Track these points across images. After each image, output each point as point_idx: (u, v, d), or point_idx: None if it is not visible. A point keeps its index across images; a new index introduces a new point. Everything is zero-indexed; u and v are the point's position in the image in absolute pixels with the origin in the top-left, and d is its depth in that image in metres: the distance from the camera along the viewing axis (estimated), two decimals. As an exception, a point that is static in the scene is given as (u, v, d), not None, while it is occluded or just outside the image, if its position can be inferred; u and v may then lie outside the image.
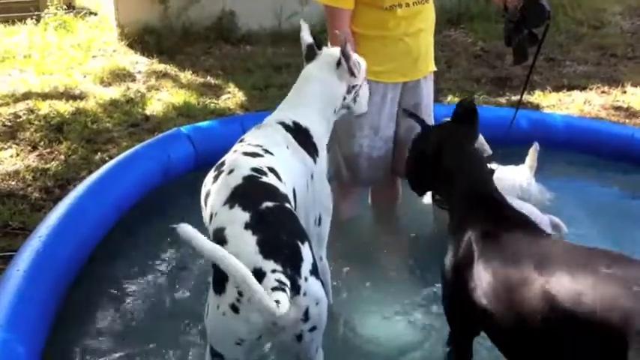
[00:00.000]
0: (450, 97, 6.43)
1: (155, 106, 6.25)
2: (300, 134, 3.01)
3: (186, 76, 7.15)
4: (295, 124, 3.02)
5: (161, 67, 7.39)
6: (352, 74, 3.14)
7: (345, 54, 3.07)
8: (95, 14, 9.49)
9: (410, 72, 3.73)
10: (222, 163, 2.72)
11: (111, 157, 4.94)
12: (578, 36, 8.67)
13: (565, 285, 2.25)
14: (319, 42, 3.26)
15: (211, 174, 2.73)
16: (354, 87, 3.19)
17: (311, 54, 3.19)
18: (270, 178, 2.61)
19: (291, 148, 2.95)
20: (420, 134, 3.17)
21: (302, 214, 2.90)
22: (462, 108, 3.03)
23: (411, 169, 3.19)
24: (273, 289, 2.14)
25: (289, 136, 2.97)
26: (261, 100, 6.45)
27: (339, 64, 3.11)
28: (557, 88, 6.84)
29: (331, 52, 3.19)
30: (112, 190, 4.12)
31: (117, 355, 3.19)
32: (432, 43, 3.83)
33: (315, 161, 3.04)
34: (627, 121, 6.00)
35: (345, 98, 3.18)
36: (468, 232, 2.69)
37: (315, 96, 3.12)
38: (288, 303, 2.12)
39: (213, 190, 2.60)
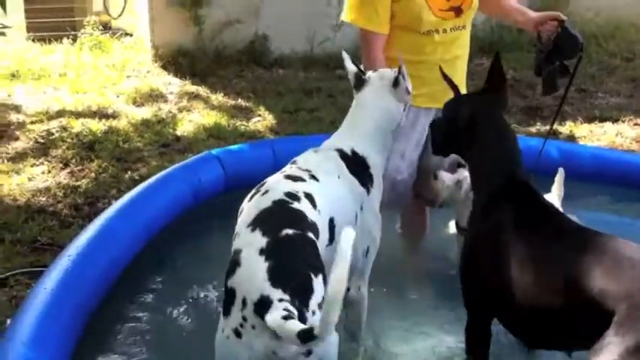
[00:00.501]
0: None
1: (186, 126, 6.30)
2: (357, 163, 2.99)
3: (218, 98, 7.22)
4: (353, 152, 3.00)
5: (193, 88, 7.47)
6: (409, 92, 3.16)
7: (402, 73, 3.08)
8: (131, 35, 9.65)
9: (443, 99, 3.70)
10: (262, 184, 2.72)
11: (141, 177, 5.00)
12: (611, 68, 8.62)
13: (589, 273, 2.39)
14: (361, 68, 3.25)
15: (252, 192, 2.72)
16: (407, 105, 3.22)
17: (360, 81, 3.17)
18: (301, 204, 2.58)
19: (343, 177, 2.91)
20: (453, 101, 3.12)
21: (360, 255, 2.91)
22: (493, 72, 2.98)
23: (440, 134, 3.16)
24: (285, 317, 2.11)
25: (343, 164, 2.94)
26: (292, 123, 6.48)
27: (395, 85, 3.11)
28: (589, 120, 6.79)
29: (383, 74, 3.18)
30: (143, 212, 4.12)
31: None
32: (465, 70, 3.83)
33: (368, 192, 3.00)
34: (659, 154, 5.94)
35: (402, 118, 3.19)
36: (498, 211, 2.74)
37: (375, 122, 3.10)
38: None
39: (245, 209, 2.61)
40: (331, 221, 2.72)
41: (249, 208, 2.58)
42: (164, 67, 8.08)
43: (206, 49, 8.26)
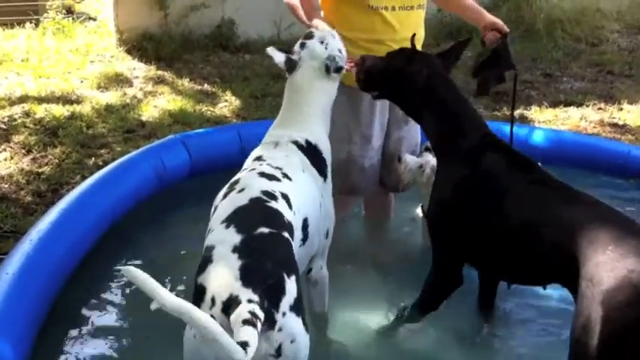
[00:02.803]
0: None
1: (151, 112, 6.24)
2: (313, 153, 3.01)
3: (184, 83, 7.16)
4: (307, 142, 3.01)
5: (159, 73, 7.40)
6: (339, 70, 3.13)
7: (331, 58, 3.08)
8: (94, 19, 9.51)
9: None
10: (236, 182, 2.69)
11: (105, 163, 4.94)
12: (576, 53, 8.70)
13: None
14: (289, 49, 3.17)
15: (224, 190, 2.70)
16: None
17: (292, 64, 3.10)
18: (278, 204, 2.56)
19: (307, 170, 2.94)
20: (410, 58, 3.17)
21: (315, 239, 2.90)
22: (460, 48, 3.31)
23: (382, 79, 3.22)
24: (244, 322, 2.05)
25: (304, 157, 2.96)
26: (258, 108, 6.45)
27: (327, 70, 3.10)
28: (554, 104, 6.86)
29: (313, 52, 3.11)
30: (106, 196, 4.09)
31: (104, 360, 3.16)
32: None
33: (325, 179, 3.04)
34: (622, 137, 6.00)
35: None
36: (481, 160, 2.98)
37: (317, 105, 3.11)
38: (257, 342, 2.03)
39: (220, 205, 2.58)
40: (305, 220, 2.73)
41: (225, 204, 2.55)
42: (129, 52, 7.98)
43: (172, 33, 8.18)
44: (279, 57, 3.11)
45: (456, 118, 3.10)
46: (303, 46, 3.14)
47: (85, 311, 3.49)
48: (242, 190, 2.60)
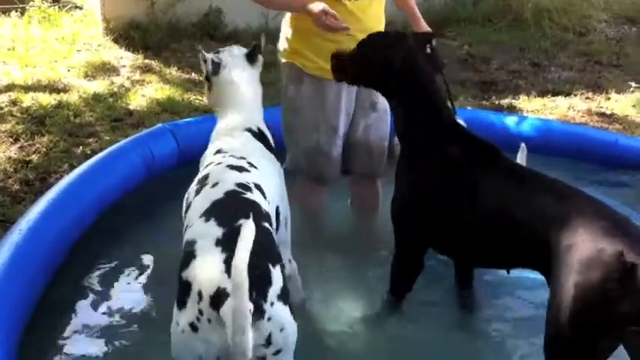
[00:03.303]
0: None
1: (139, 101, 6.21)
2: (264, 139, 3.05)
3: (171, 72, 7.12)
4: (258, 129, 3.06)
5: (146, 62, 7.36)
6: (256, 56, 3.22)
7: (258, 47, 3.18)
8: (80, 8, 9.41)
9: None
10: (206, 177, 2.68)
11: (93, 151, 4.92)
12: (564, 42, 8.70)
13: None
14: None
15: (194, 187, 2.69)
16: None
17: (216, 66, 3.14)
18: (254, 195, 2.57)
19: (265, 156, 2.97)
20: (386, 40, 3.21)
21: (283, 228, 2.94)
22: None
23: (364, 67, 3.22)
24: None
25: (260, 143, 3.00)
26: (247, 97, 6.42)
27: (253, 60, 3.17)
28: (542, 94, 6.87)
29: (232, 51, 3.20)
30: (95, 185, 4.08)
31: (91, 355, 3.14)
32: None
33: (280, 164, 3.10)
34: (610, 127, 6.02)
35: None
36: (452, 147, 3.01)
37: (249, 95, 3.14)
38: (250, 329, 2.06)
39: (195, 202, 2.56)
40: (277, 209, 2.76)
41: (200, 200, 2.54)
42: (115, 41, 7.92)
43: (159, 22, 8.12)
44: (206, 55, 3.16)
45: (427, 106, 3.11)
46: (218, 52, 3.22)
47: (73, 301, 3.47)
48: (216, 184, 2.59)
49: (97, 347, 3.18)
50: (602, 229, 2.46)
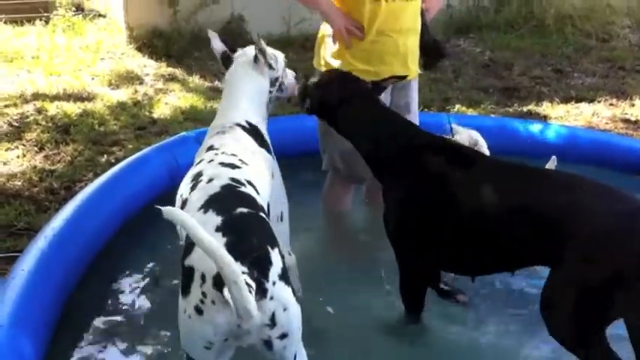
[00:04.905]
0: (457, 107, 6.41)
1: (162, 109, 6.25)
2: (256, 134, 3.11)
3: (194, 80, 7.16)
4: (249, 123, 3.11)
5: (169, 70, 7.41)
6: (270, 67, 3.28)
7: (261, 50, 3.22)
8: (104, 16, 9.52)
9: (401, 71, 3.75)
10: (200, 173, 2.72)
11: (117, 160, 4.95)
12: (587, 48, 8.67)
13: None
14: (232, 46, 3.35)
15: (188, 184, 2.72)
16: (276, 79, 3.33)
17: (227, 60, 3.28)
18: (248, 189, 2.62)
19: (256, 151, 3.01)
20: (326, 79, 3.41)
21: (278, 222, 3.01)
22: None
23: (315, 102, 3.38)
24: None
25: (251, 139, 3.04)
26: (269, 105, 6.44)
27: (256, 60, 3.24)
28: (565, 100, 6.83)
29: (245, 52, 3.31)
30: (119, 193, 4.11)
31: (120, 356, 3.18)
32: (418, 45, 3.91)
33: (273, 159, 3.14)
34: (635, 133, 5.98)
35: (270, 92, 3.33)
36: (424, 168, 3.05)
37: (249, 93, 3.22)
38: (255, 303, 2.10)
39: (191, 198, 2.59)
40: (268, 205, 2.79)
41: (196, 196, 2.57)
42: (139, 49, 8.00)
43: (181, 30, 8.18)
44: (218, 45, 3.32)
45: (373, 136, 3.23)
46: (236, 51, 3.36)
47: (99, 308, 3.50)
48: (211, 180, 2.63)
49: (122, 351, 3.21)
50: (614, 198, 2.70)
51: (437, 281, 3.42)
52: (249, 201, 2.53)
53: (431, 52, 3.87)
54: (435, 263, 3.22)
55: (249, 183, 2.67)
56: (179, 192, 2.76)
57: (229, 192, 2.56)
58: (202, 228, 2.14)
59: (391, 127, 3.23)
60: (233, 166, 2.75)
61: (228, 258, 2.03)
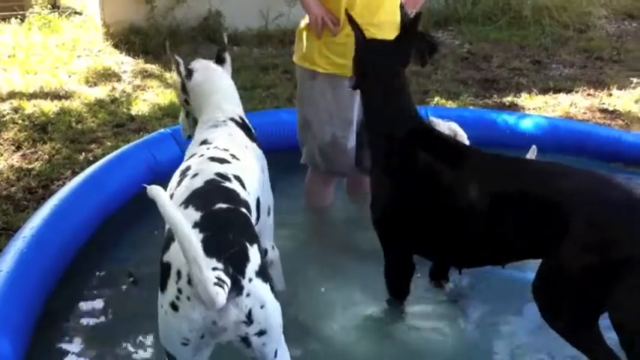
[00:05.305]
0: (436, 99, 6.42)
1: (141, 106, 6.21)
2: (247, 128, 3.13)
3: (172, 76, 7.09)
4: (240, 117, 3.15)
5: (147, 67, 7.37)
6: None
7: (224, 49, 3.36)
8: (80, 14, 9.45)
9: None
10: (188, 168, 2.72)
11: (95, 158, 4.91)
12: (564, 39, 8.71)
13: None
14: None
15: (176, 178, 2.72)
16: None
17: (189, 72, 3.24)
18: (233, 184, 2.61)
19: (248, 146, 3.02)
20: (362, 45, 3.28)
21: (265, 216, 3.00)
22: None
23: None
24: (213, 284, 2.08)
25: (242, 132, 3.06)
26: (248, 100, 6.40)
27: (222, 61, 3.32)
28: (544, 91, 6.86)
29: (201, 61, 3.34)
30: (98, 191, 4.08)
31: (100, 356, 3.15)
32: None
33: (262, 153, 3.15)
34: (612, 123, 6.01)
35: None
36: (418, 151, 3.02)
37: (230, 89, 3.27)
38: (225, 297, 2.07)
39: (177, 192, 2.59)
40: (257, 199, 2.80)
41: (181, 190, 2.57)
42: (116, 46, 7.94)
43: (158, 26, 8.13)
44: (180, 60, 3.26)
45: (383, 112, 3.16)
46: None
47: (79, 308, 3.47)
48: (196, 175, 2.63)
49: (103, 350, 3.19)
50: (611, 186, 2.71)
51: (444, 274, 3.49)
52: (232, 196, 2.52)
53: (424, 47, 3.84)
54: (423, 252, 3.22)
55: (237, 178, 2.66)
56: (169, 186, 2.74)
57: (212, 187, 2.55)
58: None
59: (397, 110, 3.17)
60: (222, 161, 2.74)
61: (191, 235, 2.00)
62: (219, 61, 3.34)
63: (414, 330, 3.34)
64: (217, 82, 3.25)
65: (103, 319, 3.42)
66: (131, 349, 3.21)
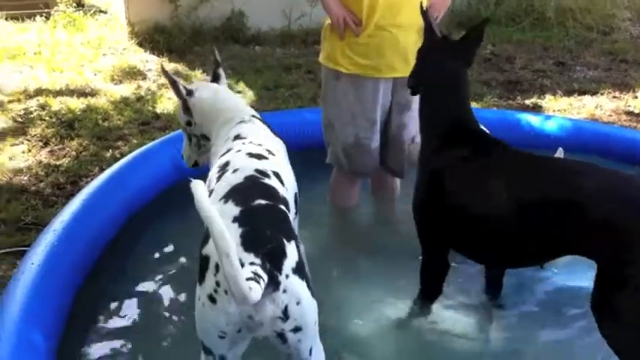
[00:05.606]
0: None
1: (166, 104, 6.25)
2: (268, 126, 3.16)
3: (197, 75, 7.16)
4: (260, 117, 3.21)
5: (171, 65, 7.42)
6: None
7: (219, 65, 3.47)
8: (105, 12, 9.52)
9: (401, 68, 3.73)
10: (227, 163, 2.74)
11: (122, 154, 4.96)
12: (588, 41, 8.68)
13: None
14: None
15: (215, 174, 2.74)
16: None
17: (189, 92, 3.29)
18: (271, 181, 2.63)
19: (276, 141, 3.05)
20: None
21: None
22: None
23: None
24: (247, 279, 2.05)
25: (267, 128, 3.11)
26: (271, 100, 6.45)
27: (217, 78, 3.44)
28: (568, 93, 6.84)
29: (198, 83, 3.49)
30: (126, 187, 4.11)
31: (130, 350, 3.18)
32: (418, 41, 3.87)
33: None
34: (638, 125, 5.99)
35: None
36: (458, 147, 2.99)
37: (233, 96, 3.41)
38: (261, 292, 2.05)
39: (217, 188, 2.61)
40: (295, 195, 2.81)
41: (221, 185, 2.59)
42: (140, 45, 8.00)
43: (182, 25, 8.19)
44: (181, 88, 3.30)
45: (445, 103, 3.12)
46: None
47: (108, 301, 3.50)
48: (236, 170, 2.65)
49: (133, 344, 3.21)
50: None
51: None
52: (271, 193, 2.53)
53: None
54: (462, 251, 3.15)
55: (276, 175, 2.68)
56: (207, 180, 2.75)
57: (251, 183, 2.57)
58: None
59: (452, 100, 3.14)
60: (260, 157, 2.76)
61: (224, 231, 1.98)
62: (215, 78, 3.44)
63: (438, 333, 3.32)
64: (224, 93, 3.34)
65: (131, 314, 3.44)
66: (163, 343, 3.24)
